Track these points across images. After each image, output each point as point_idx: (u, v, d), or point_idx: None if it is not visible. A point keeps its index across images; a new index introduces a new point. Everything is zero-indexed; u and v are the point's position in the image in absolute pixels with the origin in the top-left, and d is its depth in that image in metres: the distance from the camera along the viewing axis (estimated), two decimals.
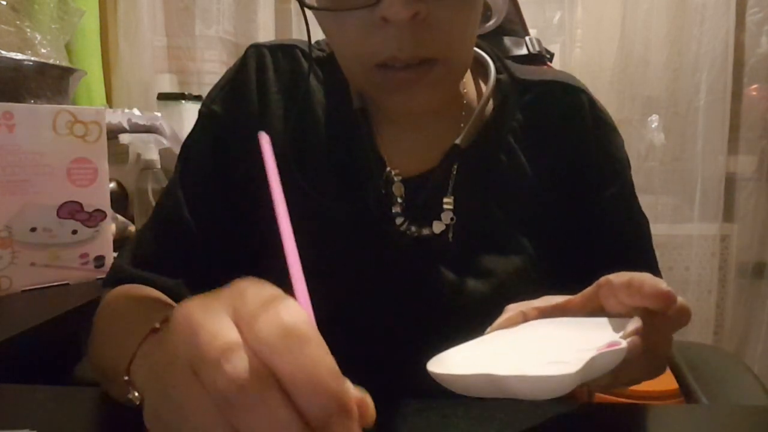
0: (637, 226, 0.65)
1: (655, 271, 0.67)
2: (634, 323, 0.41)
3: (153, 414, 0.29)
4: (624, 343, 0.39)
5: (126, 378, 0.44)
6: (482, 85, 0.65)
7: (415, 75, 0.50)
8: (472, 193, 0.60)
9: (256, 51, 0.64)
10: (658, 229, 1.70)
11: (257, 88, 0.62)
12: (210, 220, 0.61)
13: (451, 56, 0.53)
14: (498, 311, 0.57)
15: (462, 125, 0.61)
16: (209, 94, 0.65)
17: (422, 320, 0.57)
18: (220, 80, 0.65)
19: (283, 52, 0.64)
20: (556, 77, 0.66)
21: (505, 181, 0.61)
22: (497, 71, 0.64)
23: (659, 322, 0.42)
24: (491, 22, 0.59)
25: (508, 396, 0.38)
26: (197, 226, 0.61)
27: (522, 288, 0.56)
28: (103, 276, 0.97)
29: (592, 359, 0.37)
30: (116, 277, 0.62)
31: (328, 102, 0.63)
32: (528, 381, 0.36)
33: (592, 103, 0.65)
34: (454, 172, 0.58)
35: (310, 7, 0.47)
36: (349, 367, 0.59)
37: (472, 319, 0.57)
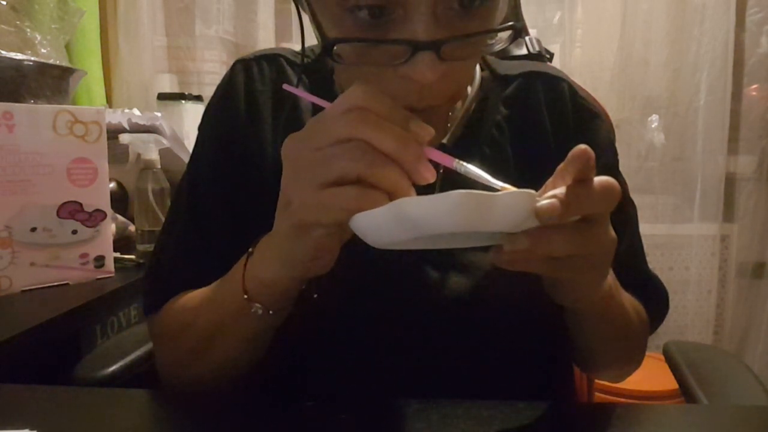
0: (623, 213, 0.63)
1: (641, 259, 0.67)
2: (556, 190, 0.40)
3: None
4: (532, 191, 0.39)
5: (245, 296, 0.50)
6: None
7: (429, 114, 0.50)
8: (456, 189, 0.60)
9: (242, 64, 0.64)
10: (658, 229, 1.73)
11: (246, 99, 0.63)
12: (226, 233, 0.61)
13: (462, 91, 0.60)
14: (481, 304, 0.57)
15: (449, 125, 0.61)
16: (204, 111, 0.66)
17: (407, 318, 0.57)
18: (212, 97, 0.66)
19: (267, 61, 0.64)
20: (535, 68, 0.66)
21: (490, 173, 0.61)
22: (480, 69, 0.65)
23: (583, 193, 0.40)
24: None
25: (417, 232, 0.38)
26: (219, 239, 0.61)
27: (506, 279, 0.55)
28: (103, 276, 0.97)
29: (493, 195, 0.37)
30: (161, 298, 0.62)
31: (316, 109, 0.63)
32: (423, 202, 0.38)
33: (573, 91, 0.65)
34: (441, 171, 0.58)
35: (334, 60, 0.47)
36: (338, 367, 0.59)
37: (457, 313, 0.58)
